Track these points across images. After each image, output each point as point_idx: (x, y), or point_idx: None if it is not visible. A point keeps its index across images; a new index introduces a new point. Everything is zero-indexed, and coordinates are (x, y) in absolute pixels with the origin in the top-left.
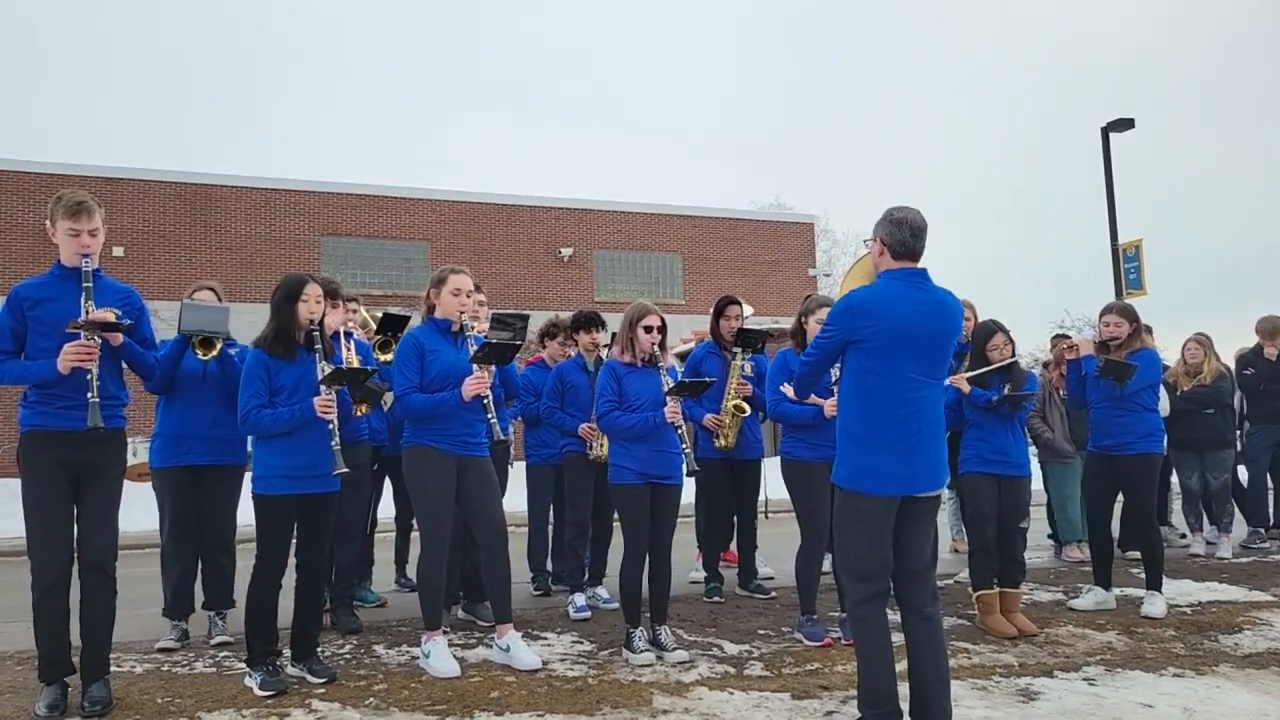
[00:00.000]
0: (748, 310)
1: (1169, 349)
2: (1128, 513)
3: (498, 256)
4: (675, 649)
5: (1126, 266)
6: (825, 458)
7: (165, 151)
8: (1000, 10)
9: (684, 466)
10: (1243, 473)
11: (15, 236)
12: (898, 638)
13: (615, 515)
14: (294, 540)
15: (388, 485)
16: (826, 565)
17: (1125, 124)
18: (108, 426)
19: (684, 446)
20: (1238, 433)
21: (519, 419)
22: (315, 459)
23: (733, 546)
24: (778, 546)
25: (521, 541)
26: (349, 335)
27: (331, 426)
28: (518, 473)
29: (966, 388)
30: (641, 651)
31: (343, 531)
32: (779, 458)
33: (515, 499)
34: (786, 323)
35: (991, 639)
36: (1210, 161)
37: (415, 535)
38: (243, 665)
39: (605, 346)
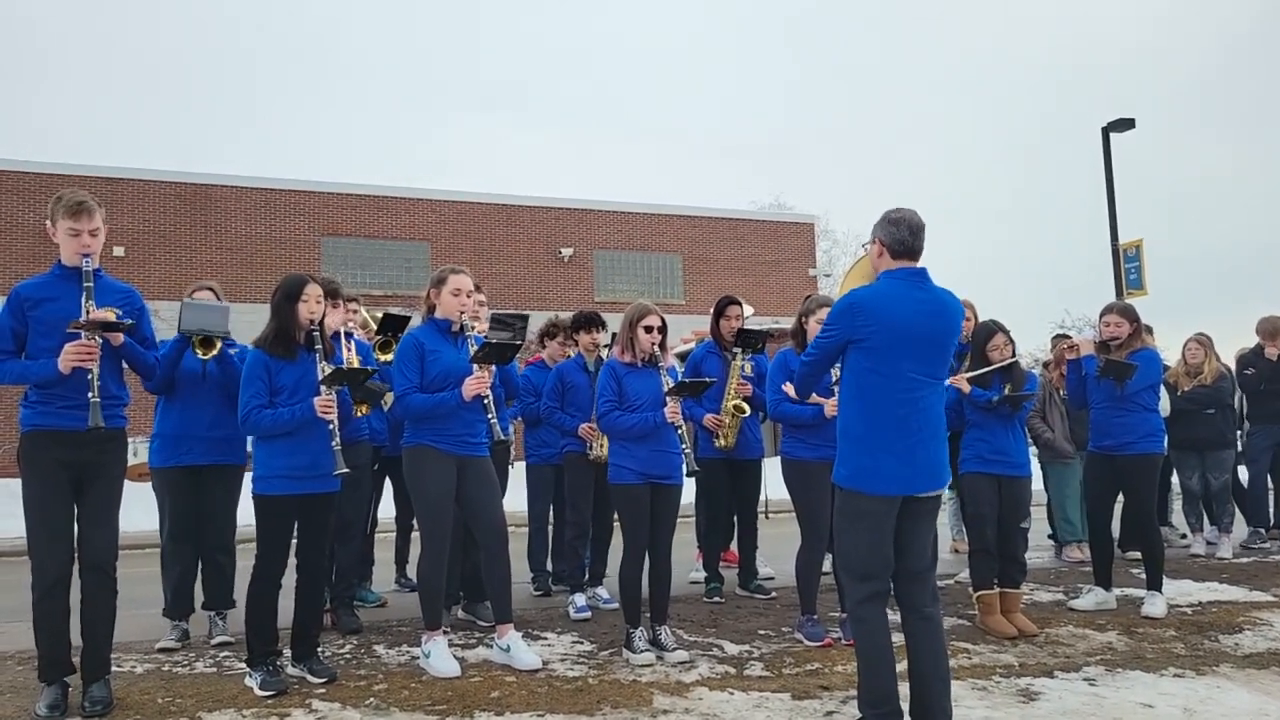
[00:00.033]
0: (748, 310)
1: (1169, 349)
2: (1128, 513)
3: (498, 256)
4: (675, 649)
5: (1127, 266)
6: (826, 458)
7: (165, 151)
8: (1000, 10)
9: (684, 466)
10: (1243, 473)
11: (15, 236)
12: (898, 638)
13: (615, 515)
14: (294, 540)
15: (388, 485)
16: (827, 565)
17: (1125, 124)
18: (108, 426)
19: (684, 447)
20: (1238, 433)
21: (519, 419)
22: (315, 459)
23: (733, 546)
24: (778, 547)
25: (522, 541)
26: (349, 335)
27: (332, 427)
28: (518, 473)
29: (967, 388)
30: (642, 651)
31: (343, 531)
32: (779, 458)
33: (515, 499)
34: (787, 323)
35: (992, 639)
36: (1210, 161)
37: (415, 535)
38: (243, 665)
39: (605, 346)
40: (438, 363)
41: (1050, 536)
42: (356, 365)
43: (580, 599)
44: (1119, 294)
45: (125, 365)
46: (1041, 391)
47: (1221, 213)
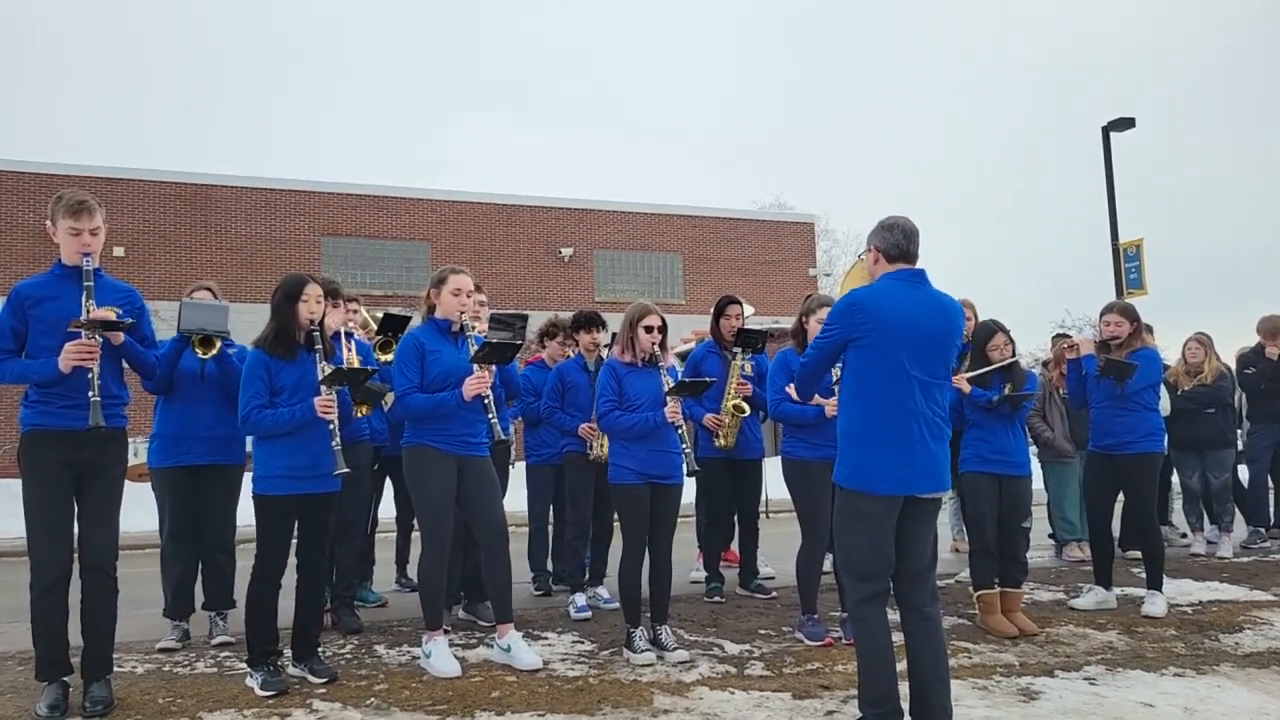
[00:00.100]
0: (748, 310)
1: (1169, 349)
2: (1128, 512)
3: (498, 256)
4: (676, 649)
5: (1127, 266)
6: (826, 457)
7: (165, 151)
8: (1000, 10)
9: (684, 466)
10: (1243, 472)
11: (15, 236)
12: (898, 637)
13: (615, 515)
14: (294, 540)
15: (388, 485)
16: (827, 565)
17: (1126, 123)
18: (109, 426)
19: (684, 446)
20: (1238, 432)
21: (519, 419)
22: (316, 459)
23: (733, 546)
24: (778, 546)
25: (522, 541)
26: (349, 335)
27: (332, 427)
28: (518, 473)
29: (967, 388)
30: (642, 651)
31: (344, 531)
32: (780, 457)
33: (515, 499)
34: (787, 323)
35: (992, 638)
36: (1210, 161)
37: (416, 535)
38: (244, 665)
39: (605, 346)
40: (438, 363)
41: (1051, 536)
42: (356, 365)
43: (580, 599)
44: (1119, 293)
45: (125, 365)
46: (1041, 391)
47: (1221, 213)
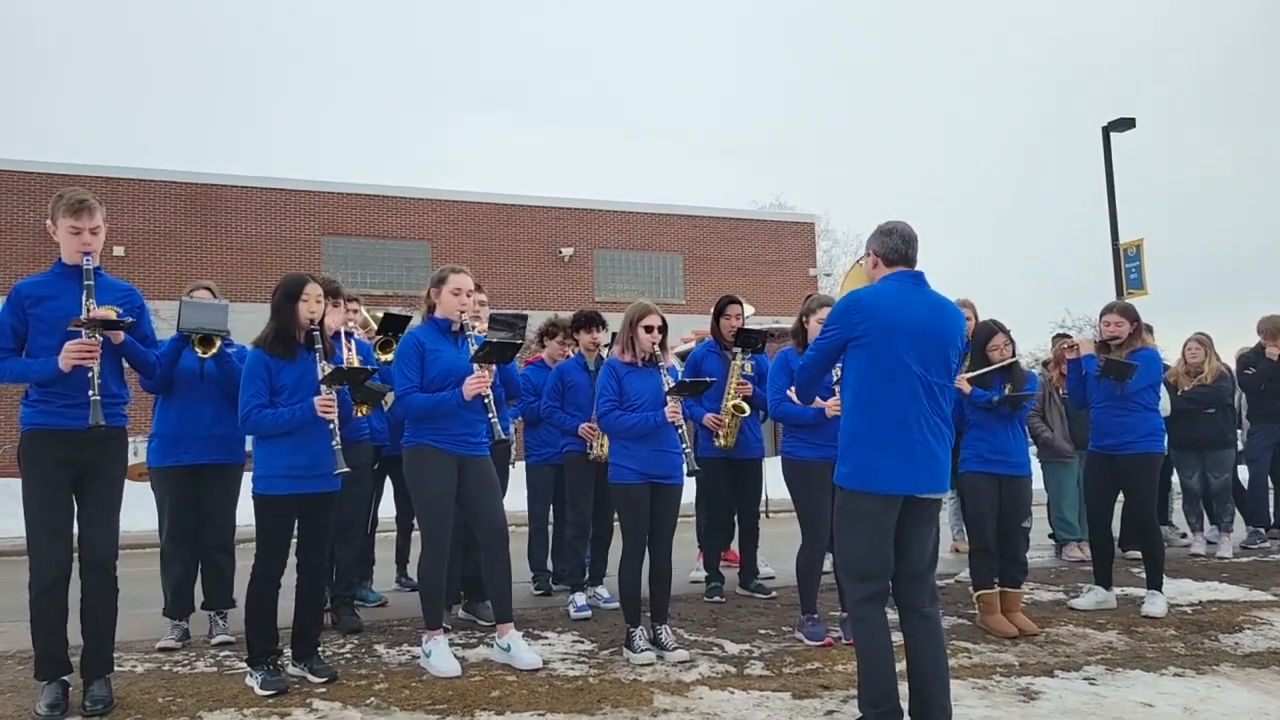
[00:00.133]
0: (748, 310)
1: (1169, 349)
2: (1128, 512)
3: (498, 256)
4: (676, 648)
5: (1127, 266)
6: (826, 457)
7: (166, 151)
8: (1000, 10)
9: (684, 466)
10: (1243, 472)
11: (15, 236)
12: (898, 637)
13: (615, 515)
14: (294, 540)
15: (388, 485)
16: (827, 565)
17: (1126, 123)
18: (109, 425)
19: (684, 446)
20: (1238, 432)
21: (519, 418)
22: (316, 459)
23: (733, 546)
24: (778, 546)
25: (522, 541)
26: (349, 335)
27: (332, 426)
28: (518, 472)
29: (967, 388)
30: (642, 651)
31: (344, 531)
32: (780, 457)
33: (515, 499)
34: (787, 323)
35: (992, 638)
36: (1210, 161)
37: (416, 535)
38: (244, 665)
39: (606, 346)
40: (438, 362)
41: (1051, 536)
42: (357, 365)
43: (580, 598)
44: (1119, 293)
45: (125, 364)
46: (1041, 391)
47: (1221, 213)
